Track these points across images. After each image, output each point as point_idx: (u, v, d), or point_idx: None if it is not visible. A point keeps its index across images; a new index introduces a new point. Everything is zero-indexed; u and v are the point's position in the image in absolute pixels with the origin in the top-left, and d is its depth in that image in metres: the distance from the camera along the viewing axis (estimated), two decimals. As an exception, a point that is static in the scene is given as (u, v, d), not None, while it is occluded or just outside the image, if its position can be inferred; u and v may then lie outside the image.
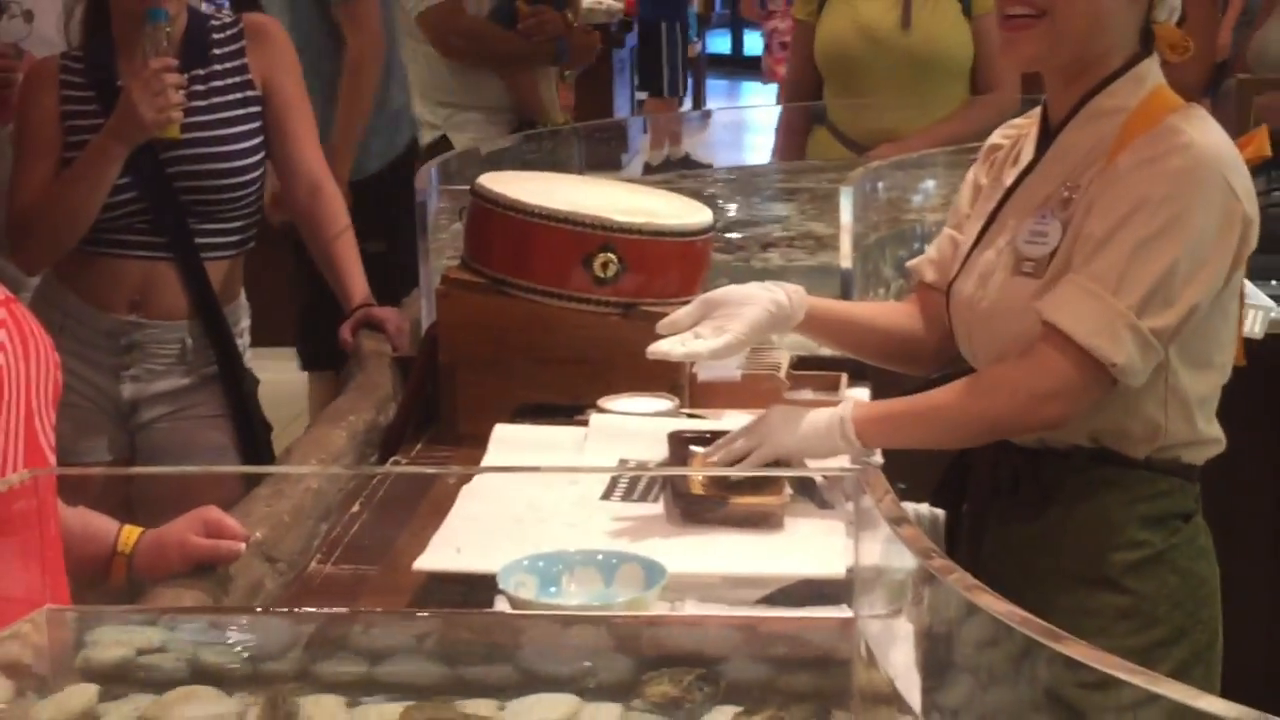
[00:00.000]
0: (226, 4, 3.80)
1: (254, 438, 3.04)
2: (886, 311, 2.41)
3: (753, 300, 2.16)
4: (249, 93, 2.98)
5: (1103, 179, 2.04)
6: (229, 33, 3.01)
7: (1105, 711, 1.20)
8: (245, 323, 3.13)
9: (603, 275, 2.53)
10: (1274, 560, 3.34)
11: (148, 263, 2.94)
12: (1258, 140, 2.29)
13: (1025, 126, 2.23)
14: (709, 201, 2.80)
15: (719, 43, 13.98)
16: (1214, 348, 2.13)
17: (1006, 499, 2.16)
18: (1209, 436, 2.15)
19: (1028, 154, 2.17)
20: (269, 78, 3.00)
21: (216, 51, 2.98)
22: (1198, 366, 2.11)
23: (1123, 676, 1.14)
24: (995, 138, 2.29)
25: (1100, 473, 2.11)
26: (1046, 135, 2.15)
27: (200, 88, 2.93)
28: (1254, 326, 3.07)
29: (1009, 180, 2.18)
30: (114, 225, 2.92)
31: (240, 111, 2.97)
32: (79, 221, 2.88)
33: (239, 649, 1.54)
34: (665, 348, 2.12)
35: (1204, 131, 2.03)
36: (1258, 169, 3.51)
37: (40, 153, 2.91)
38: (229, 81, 2.97)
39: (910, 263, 2.39)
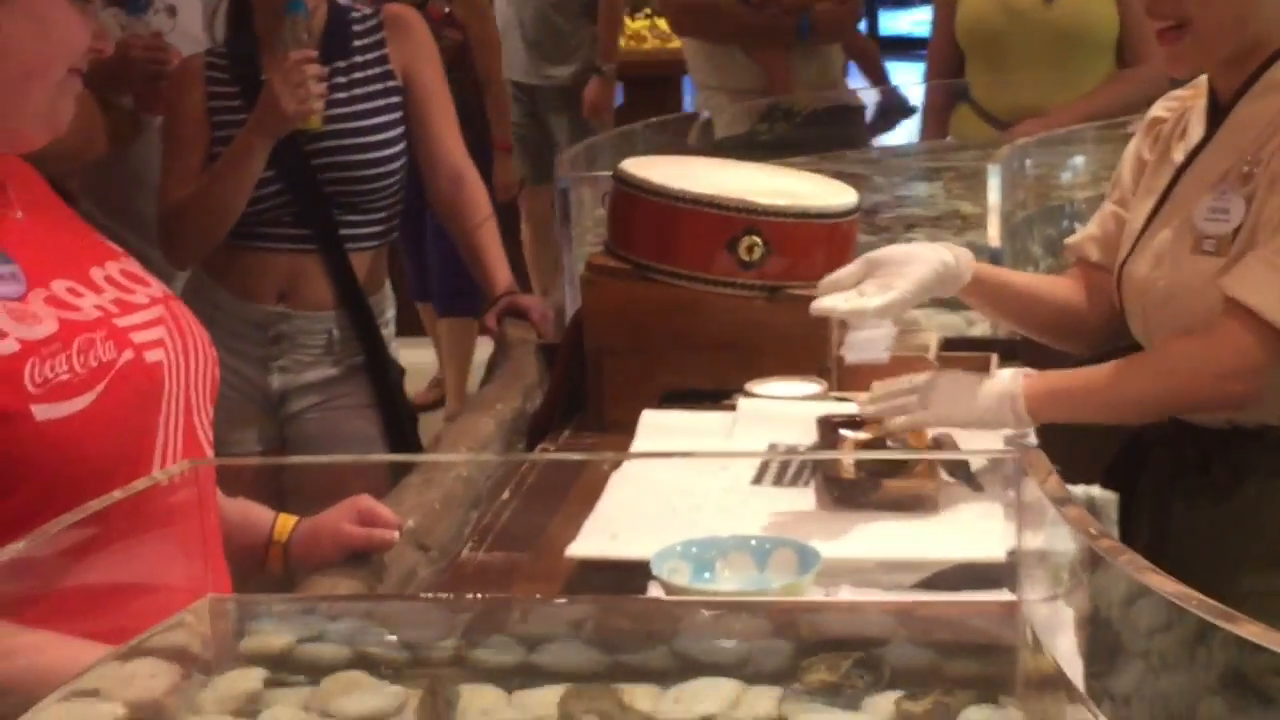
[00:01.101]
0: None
1: (400, 427, 3.07)
2: (1051, 284, 2.35)
3: (919, 259, 2.11)
4: (390, 83, 3.01)
5: None
6: (369, 24, 3.05)
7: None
8: (390, 313, 3.16)
9: (748, 258, 2.51)
10: None
11: (294, 255, 2.99)
12: None
13: (1189, 99, 2.16)
14: (852, 182, 2.77)
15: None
16: None
17: (1194, 479, 2.10)
18: None
19: (1197, 129, 2.11)
20: (409, 68, 3.03)
21: (357, 43, 3.01)
22: None
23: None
24: (1157, 109, 2.22)
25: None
26: (1216, 110, 2.09)
27: (342, 79, 2.97)
28: None
29: (1179, 156, 2.12)
30: (260, 218, 2.96)
31: (382, 102, 3.00)
32: (227, 216, 2.92)
33: (397, 636, 1.55)
34: (829, 303, 2.08)
35: None
36: None
37: (189, 148, 2.97)
38: (370, 72, 3.00)
39: (1070, 240, 2.34)
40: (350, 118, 2.97)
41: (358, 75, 2.99)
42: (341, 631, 1.56)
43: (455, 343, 5.13)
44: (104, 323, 1.72)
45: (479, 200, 3.12)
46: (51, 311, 1.68)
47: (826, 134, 4.03)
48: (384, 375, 3.05)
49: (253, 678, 1.46)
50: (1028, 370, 2.08)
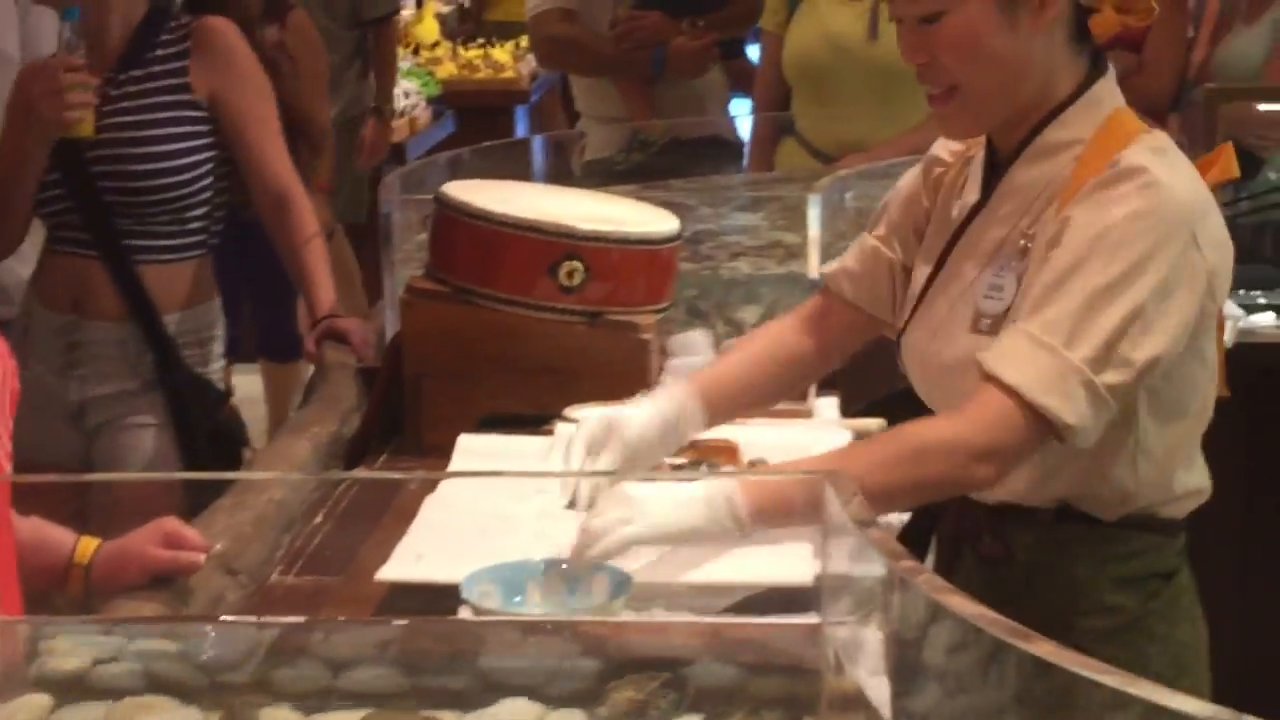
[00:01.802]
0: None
1: (195, 449, 2.98)
2: (765, 357, 2.16)
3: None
4: (184, 97, 2.98)
5: (1057, 221, 1.86)
6: (176, 36, 3.01)
7: (1078, 714, 1.18)
8: (211, 331, 3.08)
9: (569, 284, 2.51)
10: (1242, 560, 3.33)
11: (83, 260, 2.98)
12: (1222, 161, 2.06)
13: (972, 147, 2.03)
14: (677, 211, 2.79)
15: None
16: (1189, 395, 1.93)
17: (970, 553, 1.99)
18: (1190, 488, 1.97)
19: (973, 190, 1.99)
20: (215, 87, 2.99)
21: (159, 53, 2.99)
22: (1171, 418, 1.92)
23: (1096, 678, 1.12)
24: (938, 150, 2.09)
25: (1066, 530, 1.94)
26: (994, 170, 1.96)
27: (133, 89, 2.96)
28: (1228, 337, 3.08)
29: (955, 215, 2.01)
30: (54, 222, 3.00)
31: (172, 115, 2.97)
32: (10, 216, 2.97)
33: (197, 659, 1.51)
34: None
35: (1170, 169, 1.86)
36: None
37: None
38: (163, 84, 2.98)
39: (826, 270, 2.19)
40: (133, 127, 2.94)
41: (149, 86, 2.97)
42: (139, 653, 1.52)
43: (278, 386, 5.04)
44: None
45: (304, 219, 3.07)
46: None
47: (689, 163, 4.04)
48: (177, 394, 2.98)
49: (39, 703, 1.42)
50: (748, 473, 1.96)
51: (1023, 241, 1.91)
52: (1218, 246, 1.88)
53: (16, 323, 3.07)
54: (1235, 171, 2.06)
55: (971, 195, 1.99)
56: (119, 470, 2.92)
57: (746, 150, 4.32)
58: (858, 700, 1.37)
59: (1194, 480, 1.98)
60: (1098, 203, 1.83)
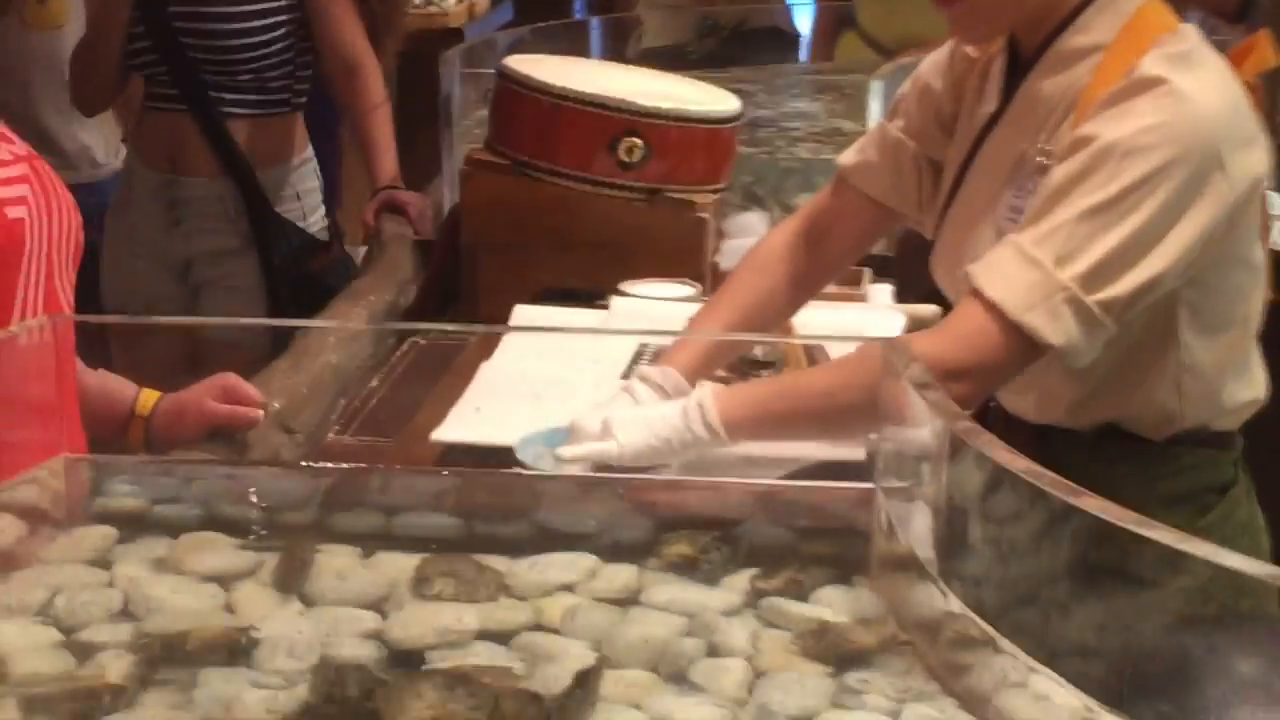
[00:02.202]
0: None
1: (296, 299, 3.04)
2: (756, 293, 2.03)
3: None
4: None
5: (1071, 139, 1.74)
6: None
7: (1134, 576, 1.19)
8: (305, 184, 3.15)
9: (628, 160, 2.51)
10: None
11: (175, 116, 3.06)
12: (1259, 50, 1.92)
13: (994, 47, 1.90)
14: (738, 95, 2.77)
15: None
16: (1234, 304, 1.84)
17: None
18: (1243, 400, 1.87)
19: (992, 95, 1.88)
20: None
21: None
22: (1216, 331, 1.83)
23: (1150, 535, 1.13)
24: (945, 64, 1.97)
25: (1111, 449, 1.84)
26: (1014, 75, 1.85)
27: None
28: (1276, 238, 3.04)
29: (975, 121, 1.90)
30: (148, 78, 3.09)
31: None
32: (102, 67, 3.06)
33: (255, 501, 1.54)
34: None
35: (1194, 78, 1.70)
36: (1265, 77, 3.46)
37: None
38: None
39: (845, 161, 2.06)
40: None
41: None
42: (198, 494, 1.54)
43: None
44: None
45: (371, 88, 3.13)
46: None
47: (752, 53, 4.01)
48: (268, 251, 3.07)
49: (104, 534, 1.44)
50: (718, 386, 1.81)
51: (1040, 159, 1.79)
52: (1250, 154, 1.74)
53: (121, 180, 3.21)
54: (1273, 59, 1.92)
55: (990, 102, 1.88)
56: (219, 328, 3.01)
57: (806, 42, 4.29)
58: (909, 561, 1.38)
59: (1247, 392, 1.88)
60: (1108, 117, 1.70)
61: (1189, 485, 1.86)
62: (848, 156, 2.06)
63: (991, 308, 1.70)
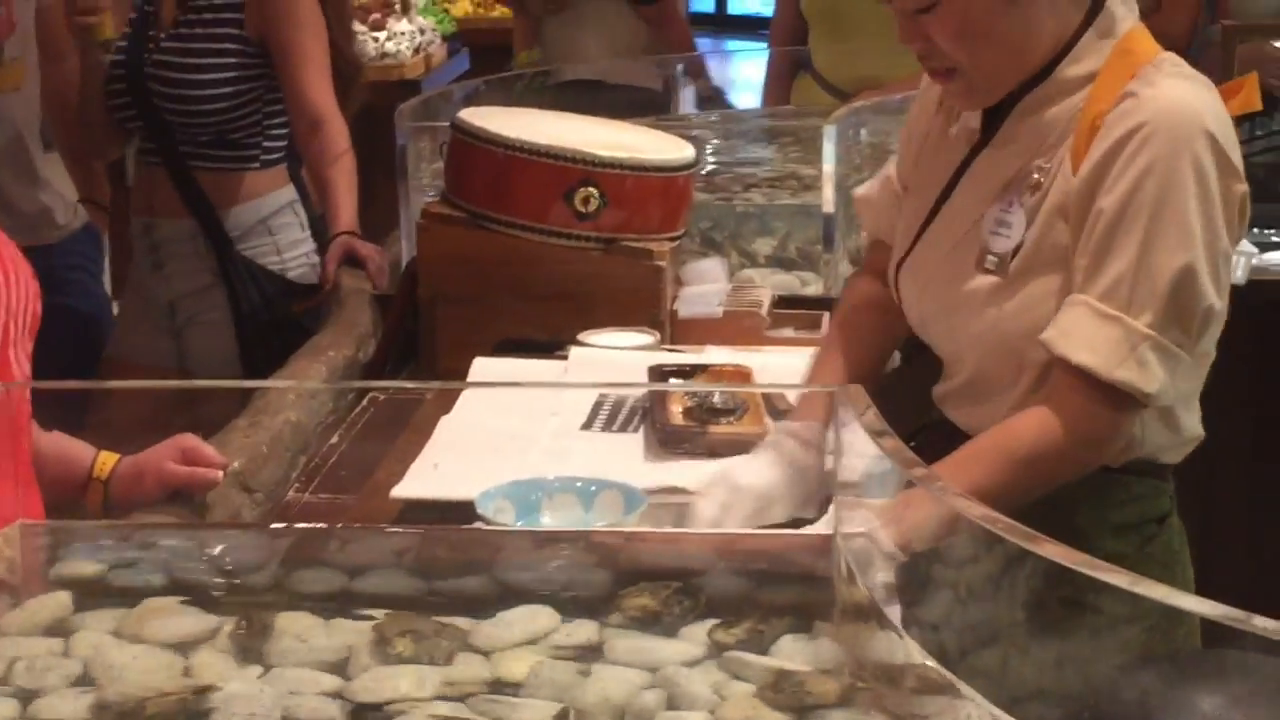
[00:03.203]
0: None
1: (263, 342, 3.11)
2: (854, 345, 2.07)
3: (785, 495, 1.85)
4: (235, 31, 3.18)
5: (1076, 168, 1.78)
6: None
7: (1091, 617, 1.20)
8: (279, 222, 3.23)
9: (584, 210, 2.51)
10: (1249, 511, 3.34)
11: (153, 168, 3.24)
12: (1246, 91, 1.96)
13: None
14: (692, 142, 2.78)
15: (701, 1, 13.89)
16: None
17: None
18: (1191, 433, 1.92)
19: (974, 120, 1.90)
20: (265, 27, 3.18)
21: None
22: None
23: (1104, 578, 1.13)
24: (922, 105, 2.04)
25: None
26: (998, 104, 1.87)
27: (193, 17, 3.20)
28: (1236, 272, 3.07)
29: (954, 136, 1.94)
30: (135, 135, 3.28)
31: (217, 46, 3.18)
32: (91, 121, 3.27)
33: (214, 565, 1.53)
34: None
35: (1180, 84, 1.78)
36: (1239, 119, 3.51)
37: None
38: (220, 17, 3.20)
39: (857, 193, 2.16)
40: (184, 53, 3.18)
41: (208, 16, 3.19)
42: (156, 559, 1.54)
43: None
44: None
45: (334, 139, 3.18)
46: None
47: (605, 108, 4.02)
48: (236, 288, 3.18)
49: (61, 601, 1.43)
50: None
51: (1036, 176, 1.83)
52: (1234, 161, 1.79)
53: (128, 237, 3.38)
54: (1258, 103, 1.96)
55: (972, 121, 1.91)
56: (199, 366, 3.19)
57: (675, 98, 4.30)
58: (869, 609, 1.38)
59: (1195, 424, 1.92)
60: (1114, 149, 1.75)
61: (1136, 514, 1.90)
62: (860, 189, 2.17)
63: (1083, 374, 1.73)
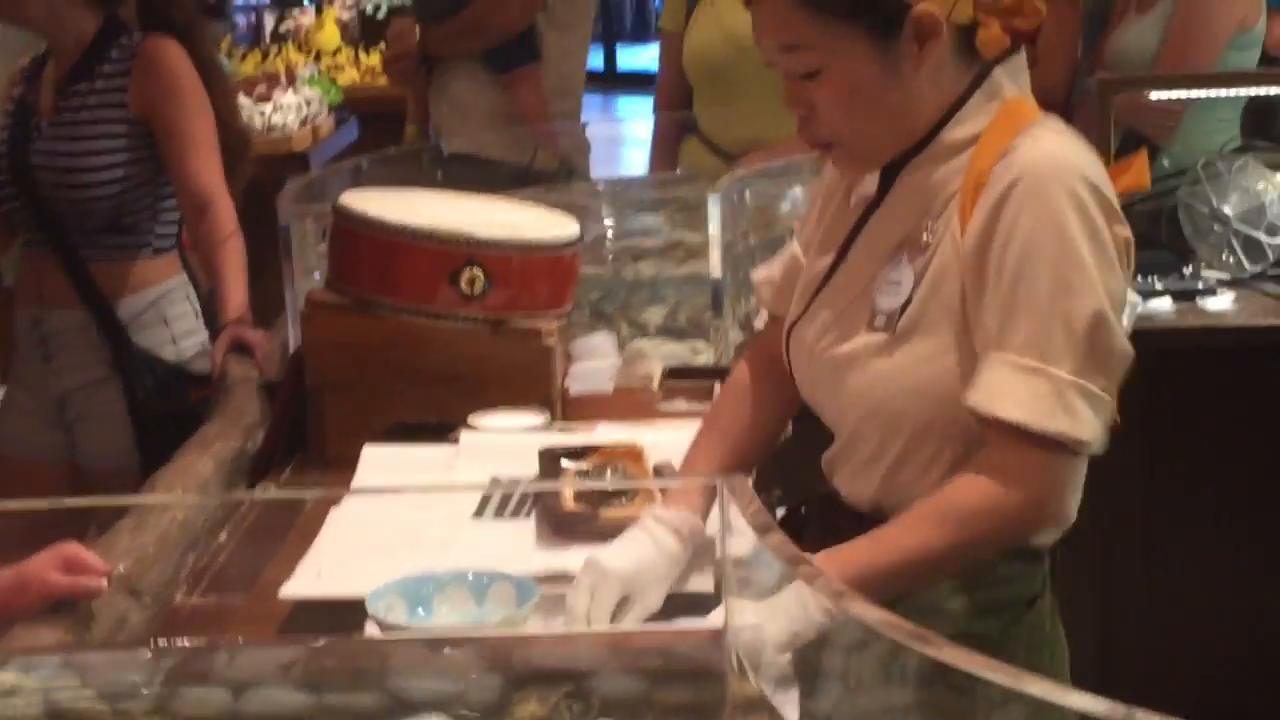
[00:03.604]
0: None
1: (161, 435, 3.02)
2: (737, 424, 2.07)
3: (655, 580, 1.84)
4: (121, 111, 3.16)
5: (964, 228, 1.79)
6: (123, 54, 3.18)
7: (973, 712, 1.20)
8: (174, 310, 3.21)
9: (469, 291, 2.50)
10: (1146, 549, 3.38)
11: (42, 257, 3.19)
12: (1135, 169, 1.99)
13: None
14: (580, 214, 2.79)
15: (590, 58, 13.96)
16: None
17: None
18: (1070, 513, 1.84)
19: (871, 182, 1.93)
20: (149, 105, 3.16)
21: (105, 69, 3.17)
22: None
23: (989, 676, 1.13)
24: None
25: None
26: (891, 166, 1.88)
27: (76, 101, 3.16)
28: (1127, 323, 3.12)
29: (854, 205, 1.95)
30: (20, 224, 3.22)
31: (104, 129, 3.15)
32: None
33: (96, 688, 1.50)
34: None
35: (1058, 138, 1.81)
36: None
37: None
38: (103, 100, 3.16)
39: (756, 277, 2.16)
40: (69, 138, 3.15)
41: (91, 100, 3.15)
42: (38, 685, 1.50)
43: None
44: None
45: (222, 222, 3.16)
46: None
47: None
48: (132, 379, 3.14)
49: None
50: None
51: (925, 236, 1.84)
52: (1117, 214, 1.81)
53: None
54: (1146, 181, 1.97)
55: (870, 187, 1.93)
56: (92, 460, 3.16)
57: (649, 149, 4.31)
58: (761, 704, 1.38)
59: (1071, 507, 1.84)
60: (996, 205, 1.76)
61: (1002, 596, 1.88)
62: (759, 273, 2.13)
63: (1013, 430, 1.72)
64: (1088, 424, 1.74)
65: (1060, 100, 4.01)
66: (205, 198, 3.14)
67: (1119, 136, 3.60)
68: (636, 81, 12.23)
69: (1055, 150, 1.79)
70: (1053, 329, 1.73)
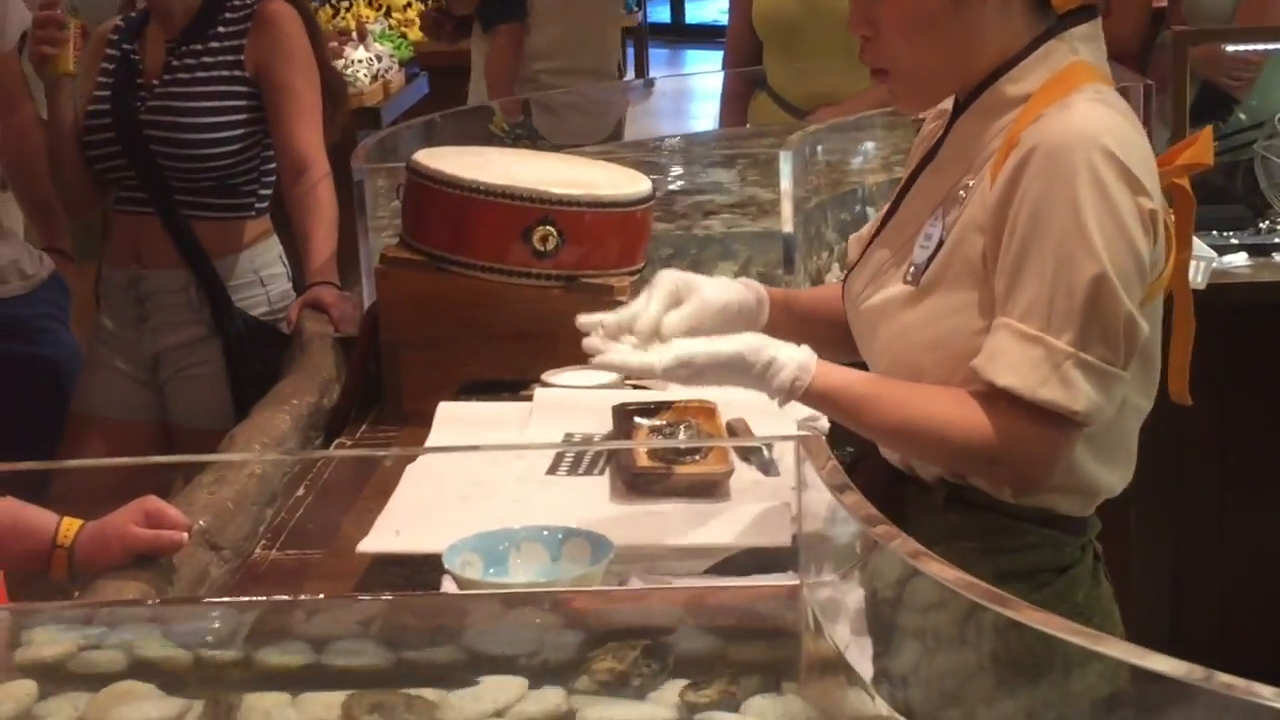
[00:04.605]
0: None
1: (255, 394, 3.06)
2: (831, 299, 2.12)
3: (713, 301, 1.94)
4: (236, 73, 3.17)
5: (994, 184, 1.79)
6: (240, 15, 3.20)
7: (1051, 671, 1.20)
8: (270, 271, 3.24)
9: (542, 248, 2.51)
10: (1219, 511, 3.36)
11: (141, 218, 3.19)
12: (1198, 145, 1.92)
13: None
14: (650, 171, 2.79)
15: (658, 11, 13.90)
16: None
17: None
18: (1095, 483, 1.87)
19: (938, 133, 1.94)
20: (263, 64, 3.17)
21: (220, 30, 3.18)
22: None
23: (1066, 637, 1.13)
24: (932, 116, 2.03)
25: (957, 518, 1.85)
26: (954, 117, 1.90)
27: (192, 61, 3.17)
28: (1196, 277, 3.09)
29: (916, 157, 1.99)
30: (116, 184, 3.21)
31: (221, 89, 3.16)
32: (57, 161, 3.22)
33: (179, 642, 1.52)
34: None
35: (1093, 105, 1.78)
36: (1199, 118, 3.51)
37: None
38: (219, 59, 3.17)
39: (852, 237, 2.17)
40: (185, 97, 3.15)
41: (207, 60, 3.17)
42: (121, 638, 1.52)
43: None
44: None
45: (318, 189, 3.17)
46: None
47: None
48: (232, 338, 3.17)
49: (26, 689, 1.42)
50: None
51: (961, 192, 1.85)
52: (1157, 191, 1.79)
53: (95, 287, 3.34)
54: (1209, 158, 1.94)
55: (933, 140, 1.95)
56: (188, 420, 3.18)
57: (719, 104, 4.30)
58: (837, 662, 1.38)
59: (1108, 477, 1.88)
60: (1018, 167, 1.76)
61: (1029, 564, 1.86)
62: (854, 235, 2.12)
63: (1008, 396, 1.74)
64: (1083, 396, 1.73)
65: (1133, 51, 3.97)
66: (305, 160, 3.16)
67: (1195, 89, 3.56)
68: (704, 34, 12.16)
69: (1080, 119, 1.77)
70: (1055, 298, 1.73)
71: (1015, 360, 1.74)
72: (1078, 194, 1.74)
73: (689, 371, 1.82)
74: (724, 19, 4.49)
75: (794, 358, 1.82)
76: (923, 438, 1.83)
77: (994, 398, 1.76)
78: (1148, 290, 1.81)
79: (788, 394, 1.82)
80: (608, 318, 1.88)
